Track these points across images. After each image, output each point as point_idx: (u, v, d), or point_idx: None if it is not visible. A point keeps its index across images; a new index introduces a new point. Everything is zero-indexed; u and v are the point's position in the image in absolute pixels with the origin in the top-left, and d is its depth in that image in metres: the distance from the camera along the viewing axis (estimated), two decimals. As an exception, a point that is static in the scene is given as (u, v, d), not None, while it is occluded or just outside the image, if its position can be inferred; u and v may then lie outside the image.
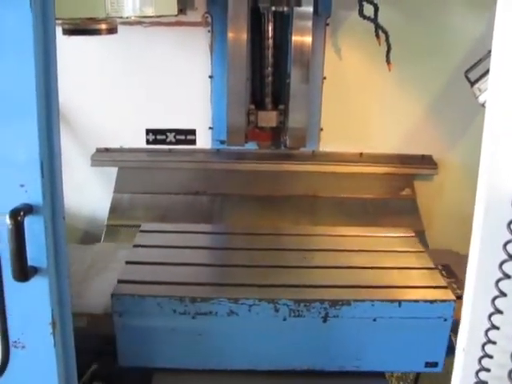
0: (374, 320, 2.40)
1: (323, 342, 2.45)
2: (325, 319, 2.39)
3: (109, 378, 2.62)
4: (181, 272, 2.62)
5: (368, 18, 3.20)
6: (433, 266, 2.71)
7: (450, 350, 2.43)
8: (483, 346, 1.37)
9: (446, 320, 2.41)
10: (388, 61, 3.26)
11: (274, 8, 3.17)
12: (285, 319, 2.39)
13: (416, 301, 2.41)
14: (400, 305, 2.39)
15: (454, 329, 2.34)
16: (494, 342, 1.35)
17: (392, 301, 2.39)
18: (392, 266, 2.68)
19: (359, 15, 3.19)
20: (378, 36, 3.24)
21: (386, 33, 3.22)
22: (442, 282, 2.59)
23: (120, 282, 2.48)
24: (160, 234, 2.95)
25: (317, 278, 2.56)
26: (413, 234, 3.01)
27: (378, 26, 3.21)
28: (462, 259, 3.04)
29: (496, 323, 1.34)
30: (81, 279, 2.76)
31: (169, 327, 2.40)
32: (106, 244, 3.24)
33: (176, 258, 2.73)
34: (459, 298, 2.33)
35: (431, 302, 2.40)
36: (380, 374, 2.55)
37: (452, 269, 2.90)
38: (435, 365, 2.48)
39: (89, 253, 3.04)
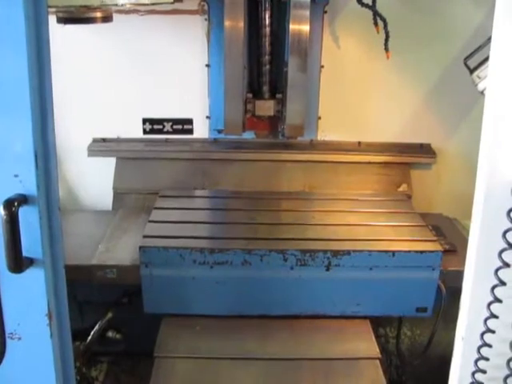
0: (371, 269, 2.72)
1: (326, 288, 2.76)
2: (328, 268, 2.71)
3: (123, 326, 3.02)
4: (199, 228, 2.98)
5: (366, 6, 3.17)
6: (423, 224, 3.02)
7: (437, 297, 2.81)
8: (482, 334, 1.36)
9: (434, 269, 2.73)
10: (386, 49, 3.23)
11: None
12: (292, 268, 2.70)
13: (408, 251, 2.73)
14: (393, 255, 2.71)
15: (441, 278, 2.77)
16: (493, 331, 1.35)
17: (386, 251, 2.72)
18: (387, 223, 3.00)
19: (357, 2, 3.17)
20: (376, 24, 3.21)
21: (384, 20, 3.19)
22: (431, 236, 2.92)
23: (145, 236, 2.80)
24: (177, 198, 3.29)
25: (320, 233, 2.88)
26: (406, 198, 3.37)
27: (376, 14, 3.18)
28: (451, 222, 3.28)
29: (495, 312, 1.33)
30: (108, 237, 3.09)
31: (189, 276, 2.71)
32: (127, 210, 3.48)
33: (193, 218, 3.06)
34: (446, 251, 2.86)
35: (421, 252, 2.73)
36: (363, 318, 2.85)
37: (442, 230, 3.20)
38: (425, 310, 2.80)
39: (112, 217, 3.36)
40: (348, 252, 2.70)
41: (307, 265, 2.70)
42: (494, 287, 1.31)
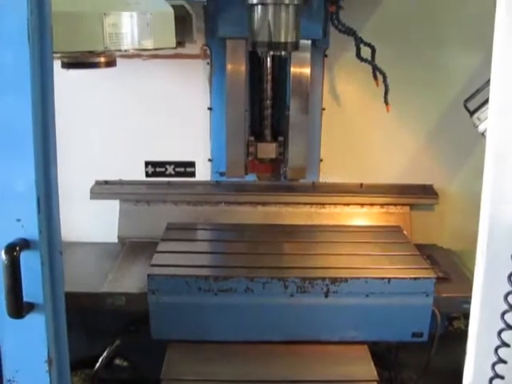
0: (367, 296, 2.84)
1: (325, 315, 2.88)
2: (326, 295, 2.83)
3: (130, 354, 3.18)
4: (204, 258, 3.16)
5: (365, 61, 3.19)
6: (418, 253, 3.16)
7: (433, 323, 2.90)
8: (491, 380, 1.33)
9: (427, 295, 2.84)
10: (386, 102, 3.23)
11: (271, 52, 3.04)
12: (292, 295, 2.83)
13: (402, 278, 2.86)
14: (389, 282, 2.83)
15: (436, 304, 2.87)
16: (502, 377, 1.32)
17: (382, 278, 2.84)
18: (383, 253, 3.13)
19: (357, 57, 3.20)
20: (375, 77, 3.24)
21: (383, 74, 3.20)
22: (425, 264, 3.05)
23: (153, 265, 2.94)
24: (183, 231, 3.45)
25: (319, 262, 3.02)
26: (400, 228, 3.49)
27: (375, 68, 3.21)
28: (446, 252, 3.47)
29: (503, 357, 1.30)
30: (116, 268, 3.24)
31: (195, 303, 2.84)
32: (134, 242, 3.59)
33: (199, 248, 3.28)
34: (440, 278, 3.00)
35: (415, 279, 2.85)
36: (361, 343, 2.93)
37: (436, 259, 3.36)
38: (421, 335, 2.90)
39: (119, 249, 3.50)
40: (345, 279, 2.82)
41: (307, 292, 2.82)
42: (500, 331, 1.29)
